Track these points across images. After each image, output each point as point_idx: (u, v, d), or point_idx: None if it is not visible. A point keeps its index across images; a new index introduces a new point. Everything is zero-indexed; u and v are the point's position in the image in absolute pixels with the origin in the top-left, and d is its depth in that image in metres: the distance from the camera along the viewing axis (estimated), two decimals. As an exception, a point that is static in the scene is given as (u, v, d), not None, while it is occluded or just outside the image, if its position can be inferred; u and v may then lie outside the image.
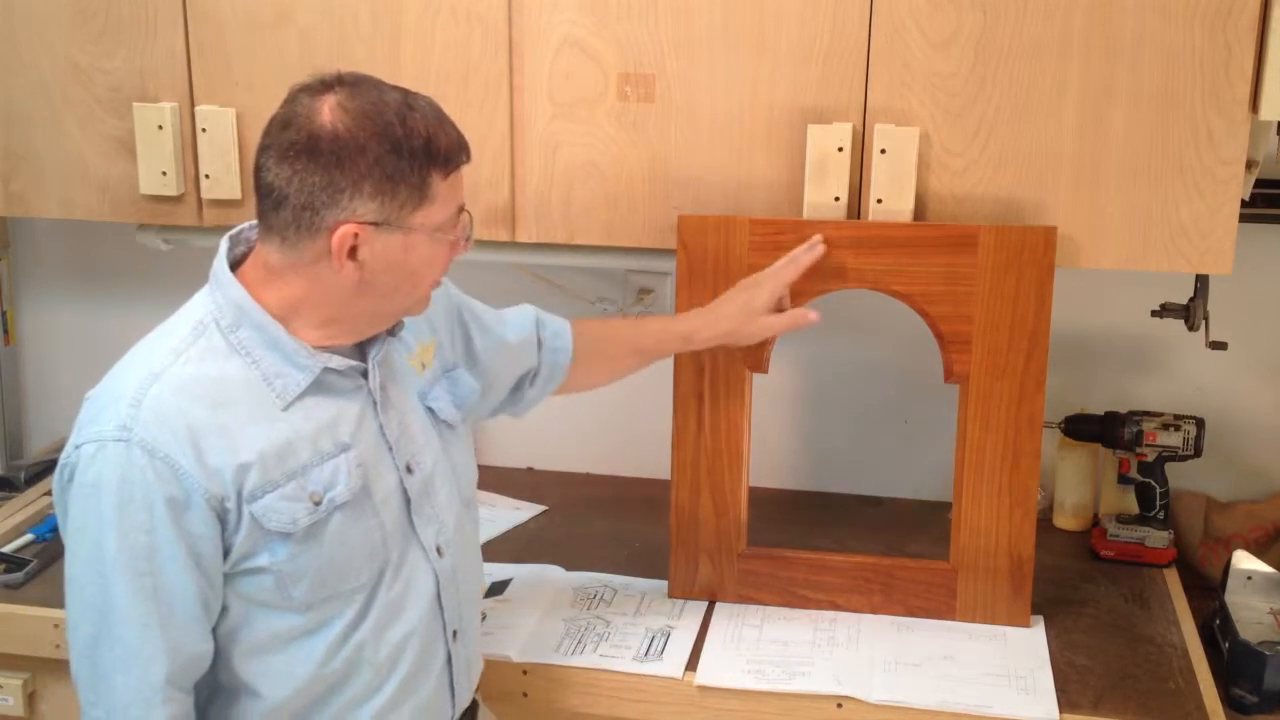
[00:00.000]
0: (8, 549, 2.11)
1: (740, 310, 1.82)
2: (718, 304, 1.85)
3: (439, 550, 1.54)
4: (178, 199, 2.05)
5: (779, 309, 1.83)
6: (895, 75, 1.81)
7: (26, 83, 2.06)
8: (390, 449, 1.51)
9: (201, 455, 1.37)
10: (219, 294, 1.45)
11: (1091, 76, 1.76)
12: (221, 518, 1.38)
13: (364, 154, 1.36)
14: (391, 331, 1.52)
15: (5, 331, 2.56)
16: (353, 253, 1.39)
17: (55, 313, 2.59)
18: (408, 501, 1.52)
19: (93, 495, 1.36)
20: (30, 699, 2.02)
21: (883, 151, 1.81)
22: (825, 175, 1.84)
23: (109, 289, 2.55)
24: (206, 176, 2.02)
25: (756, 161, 1.88)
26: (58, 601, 1.94)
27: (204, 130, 2.01)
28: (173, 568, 1.36)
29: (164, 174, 2.03)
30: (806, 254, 1.83)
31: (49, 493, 2.31)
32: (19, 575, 2.03)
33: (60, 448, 2.50)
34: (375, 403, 1.50)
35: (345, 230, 1.38)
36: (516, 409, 1.86)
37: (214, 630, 1.43)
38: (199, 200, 2.05)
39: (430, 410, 1.59)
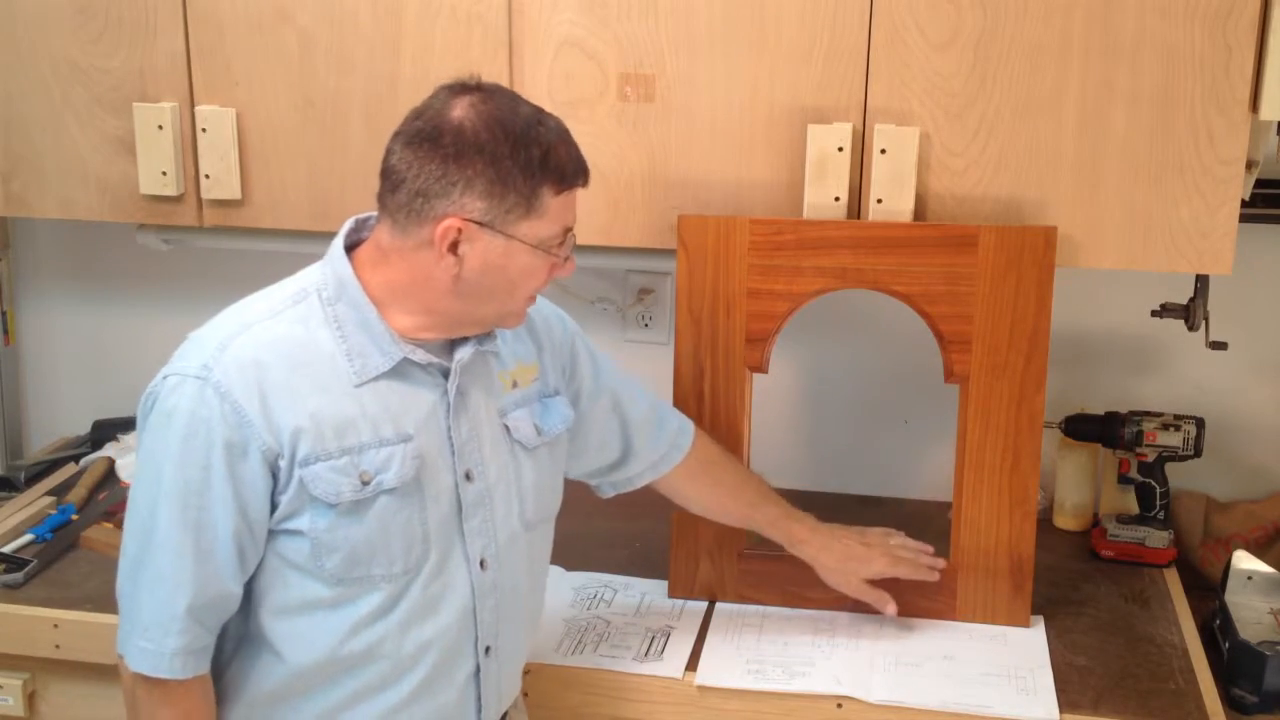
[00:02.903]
0: (8, 549, 2.11)
1: (845, 561, 1.87)
2: (834, 536, 1.88)
3: (483, 563, 1.55)
4: (178, 199, 2.05)
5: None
6: (895, 75, 1.81)
7: (26, 83, 2.06)
8: (453, 452, 1.52)
9: (268, 410, 1.42)
10: (328, 267, 1.50)
11: (1091, 76, 1.76)
12: (274, 473, 1.43)
13: (481, 153, 1.41)
14: (481, 341, 1.54)
15: (5, 331, 2.56)
16: (454, 248, 1.43)
17: (55, 313, 2.59)
18: (460, 508, 1.53)
19: (165, 424, 1.42)
20: (30, 699, 2.02)
21: (883, 151, 1.81)
22: (825, 175, 1.84)
23: (109, 289, 2.55)
24: (206, 176, 2.03)
25: (756, 161, 1.88)
26: (58, 601, 1.97)
27: (204, 130, 2.01)
28: (218, 508, 1.42)
29: (164, 174, 2.03)
30: (925, 573, 1.87)
31: (49, 493, 2.32)
32: (19, 575, 2.02)
33: (60, 447, 2.53)
34: (449, 404, 1.51)
35: (450, 223, 1.42)
36: (603, 483, 1.85)
37: (249, 584, 1.47)
38: (199, 200, 2.05)
39: (505, 428, 1.59)
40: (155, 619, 1.43)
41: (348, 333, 1.47)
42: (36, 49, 2.04)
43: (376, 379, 1.47)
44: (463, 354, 1.52)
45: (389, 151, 1.46)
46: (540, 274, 1.50)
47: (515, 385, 1.61)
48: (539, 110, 1.47)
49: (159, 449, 1.43)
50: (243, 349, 1.43)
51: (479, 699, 1.58)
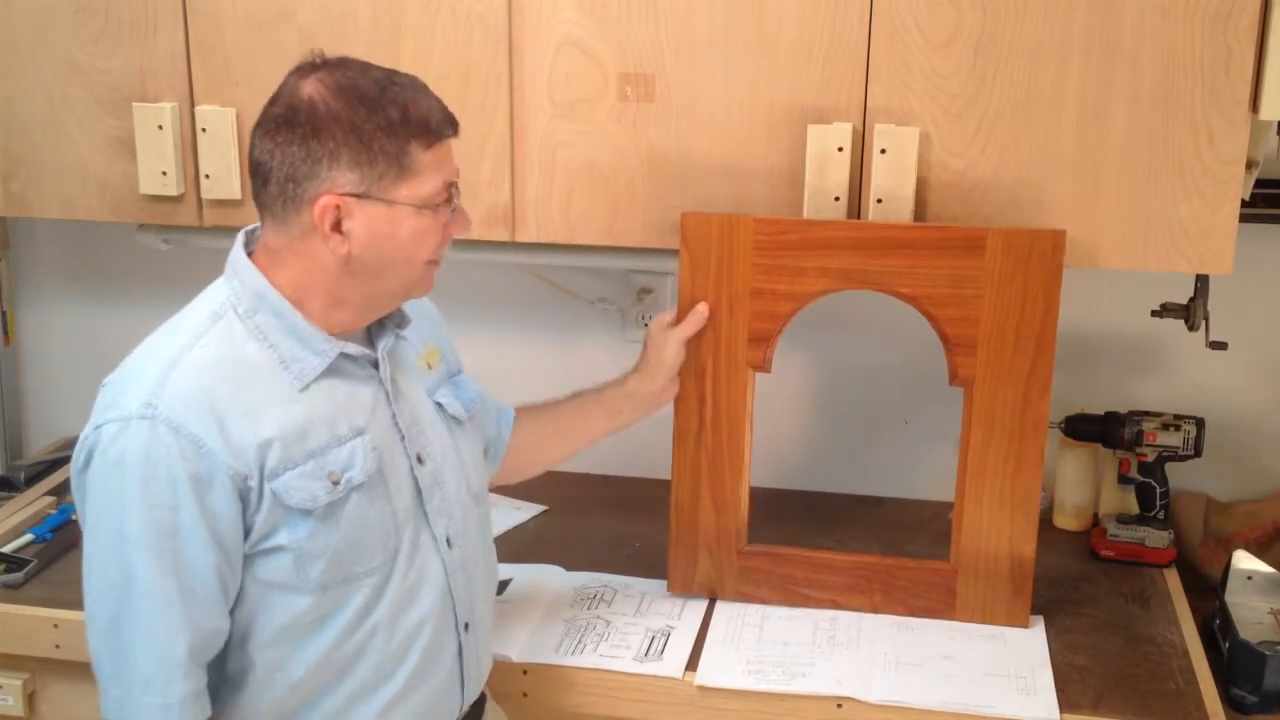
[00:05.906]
0: (8, 549, 2.11)
1: (656, 367, 1.86)
2: (635, 367, 1.89)
3: (448, 541, 1.56)
4: (178, 199, 2.05)
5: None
6: (895, 75, 1.81)
7: (26, 83, 2.06)
8: (402, 438, 1.53)
9: (226, 433, 1.39)
10: (236, 281, 1.47)
11: (1091, 76, 1.76)
12: (243, 496, 1.40)
13: (339, 123, 1.39)
14: (399, 325, 1.55)
15: (5, 331, 2.56)
16: (337, 226, 1.41)
17: (55, 313, 2.59)
18: (419, 491, 1.54)
19: (115, 473, 1.37)
20: (30, 699, 2.02)
21: (883, 151, 1.81)
22: (825, 175, 1.83)
23: (109, 289, 2.55)
24: (206, 176, 2.02)
25: (756, 162, 1.88)
26: (58, 601, 1.96)
27: (204, 130, 2.01)
28: (194, 544, 1.38)
29: (164, 174, 2.03)
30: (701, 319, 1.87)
31: (49, 493, 2.32)
32: (19, 575, 2.03)
33: (60, 447, 2.53)
34: (387, 393, 1.52)
35: (326, 201, 1.40)
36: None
37: (230, 612, 1.45)
38: (199, 200, 2.05)
39: (439, 405, 1.61)
40: (157, 671, 1.38)
41: (275, 341, 1.45)
42: (36, 49, 2.04)
43: (317, 380, 1.46)
44: (386, 341, 1.53)
45: (251, 147, 1.44)
46: (432, 234, 1.47)
47: (430, 368, 1.63)
48: (391, 71, 1.44)
49: (113, 500, 1.37)
50: (184, 379, 1.39)
51: (462, 678, 1.60)
